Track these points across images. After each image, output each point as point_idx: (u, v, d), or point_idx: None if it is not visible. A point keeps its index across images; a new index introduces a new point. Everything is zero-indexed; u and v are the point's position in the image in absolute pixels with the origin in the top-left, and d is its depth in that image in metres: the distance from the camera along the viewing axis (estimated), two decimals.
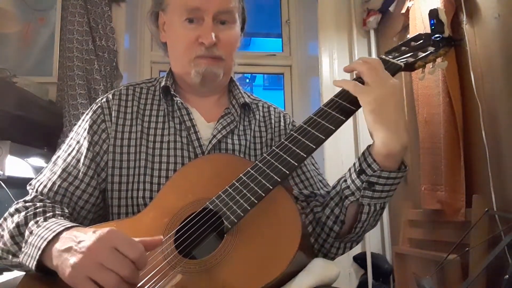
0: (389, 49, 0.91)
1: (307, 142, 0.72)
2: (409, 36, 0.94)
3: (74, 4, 1.99)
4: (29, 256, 0.67)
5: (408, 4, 1.67)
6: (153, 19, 0.96)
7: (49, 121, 1.80)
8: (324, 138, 0.72)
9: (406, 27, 1.73)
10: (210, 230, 0.69)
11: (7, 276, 1.06)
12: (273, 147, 0.74)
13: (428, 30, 0.95)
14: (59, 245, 0.63)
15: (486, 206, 1.20)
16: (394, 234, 1.94)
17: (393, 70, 0.81)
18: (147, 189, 0.83)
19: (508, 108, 1.17)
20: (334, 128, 0.72)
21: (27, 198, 0.82)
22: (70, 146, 0.88)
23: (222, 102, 0.97)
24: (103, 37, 2.01)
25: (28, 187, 0.86)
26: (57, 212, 0.76)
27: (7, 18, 1.94)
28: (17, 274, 0.98)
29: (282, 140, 0.75)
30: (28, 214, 0.75)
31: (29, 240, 0.69)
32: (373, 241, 1.99)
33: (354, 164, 0.78)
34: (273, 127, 0.98)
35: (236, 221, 0.66)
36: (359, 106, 0.74)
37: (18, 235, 0.73)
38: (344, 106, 0.75)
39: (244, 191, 0.69)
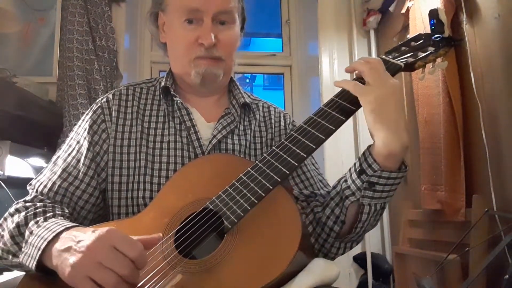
0: (389, 49, 0.91)
1: (307, 142, 0.72)
2: (409, 36, 0.95)
3: (74, 4, 1.99)
4: (29, 256, 0.67)
5: (408, 4, 1.67)
6: (152, 19, 0.96)
7: (49, 121, 1.80)
8: (324, 138, 0.72)
9: (406, 27, 1.73)
10: (210, 230, 0.69)
11: (7, 276, 1.06)
12: (273, 147, 0.74)
13: (428, 30, 0.96)
14: (58, 245, 0.63)
15: (486, 206, 1.20)
16: (394, 234, 1.94)
17: (393, 70, 0.81)
18: (147, 189, 0.83)
19: (508, 108, 1.17)
20: (334, 128, 0.73)
21: (27, 198, 0.82)
22: (70, 146, 0.88)
23: (222, 102, 0.97)
24: (103, 37, 2.01)
25: (28, 187, 0.86)
26: (57, 212, 0.77)
27: (7, 18, 1.94)
28: (17, 274, 0.98)
29: (282, 140, 0.75)
30: (28, 214, 0.75)
31: (29, 240, 0.69)
32: (373, 241, 1.99)
33: (355, 164, 0.78)
34: (273, 127, 0.98)
35: (236, 221, 0.66)
36: (359, 106, 0.75)
37: (18, 235, 0.73)
38: (344, 106, 0.75)
39: (244, 191, 0.69)
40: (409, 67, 0.86)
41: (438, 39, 0.90)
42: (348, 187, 0.77)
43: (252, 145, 0.93)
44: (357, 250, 1.99)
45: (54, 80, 1.99)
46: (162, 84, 0.93)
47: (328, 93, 2.09)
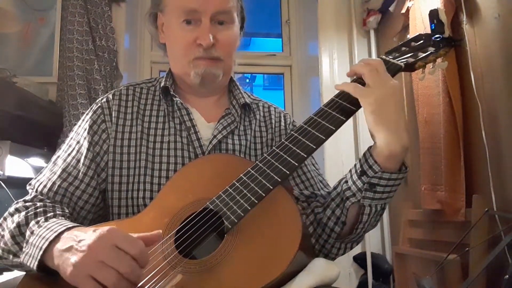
0: (389, 49, 0.91)
1: (307, 142, 0.72)
2: (409, 36, 0.95)
3: (74, 4, 1.99)
4: (31, 256, 0.67)
5: (408, 4, 1.67)
6: (151, 20, 0.96)
7: (49, 121, 1.80)
8: (324, 138, 0.72)
9: (406, 27, 1.73)
10: (210, 230, 0.69)
11: (7, 276, 1.06)
12: (274, 147, 0.74)
13: (428, 30, 0.96)
14: (60, 245, 0.63)
15: (486, 206, 1.20)
16: (394, 234, 1.94)
17: (394, 70, 0.81)
18: (147, 189, 0.83)
19: (508, 108, 1.17)
20: (334, 128, 0.73)
21: (27, 197, 0.82)
22: (70, 146, 0.88)
23: (222, 102, 0.97)
24: (103, 37, 2.01)
25: (27, 187, 0.86)
26: (57, 212, 0.77)
27: (7, 18, 1.94)
28: (17, 274, 0.98)
29: (283, 140, 0.75)
30: (28, 214, 0.75)
31: (30, 240, 0.69)
32: (373, 241, 1.99)
33: (355, 165, 0.78)
34: (273, 127, 0.98)
35: (236, 221, 0.66)
36: (359, 107, 0.75)
37: (19, 235, 0.73)
38: (345, 106, 0.76)
39: (245, 191, 0.69)
40: (410, 67, 0.86)
41: (439, 39, 0.90)
42: (349, 188, 0.77)
43: (252, 145, 0.93)
44: (357, 250, 1.99)
45: (54, 80, 1.99)
46: (162, 84, 0.93)
47: (328, 93, 2.09)
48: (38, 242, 0.67)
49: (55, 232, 0.66)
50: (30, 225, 0.72)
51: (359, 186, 0.75)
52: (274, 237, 0.65)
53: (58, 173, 0.83)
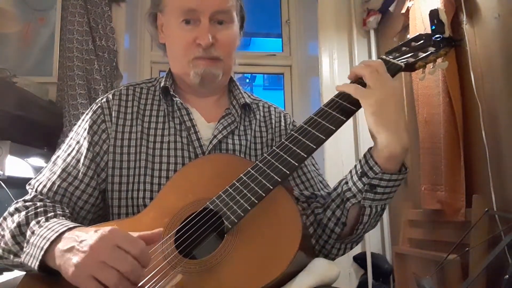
0: (389, 49, 0.91)
1: (307, 142, 0.72)
2: (409, 36, 0.95)
3: (74, 4, 1.99)
4: (32, 256, 0.67)
5: (408, 4, 1.67)
6: (151, 20, 0.96)
7: (49, 121, 1.80)
8: (324, 138, 0.72)
9: (406, 27, 1.73)
10: (211, 230, 0.69)
11: (7, 276, 1.06)
12: (274, 147, 0.74)
13: (428, 30, 0.96)
14: (61, 245, 0.63)
15: (486, 206, 1.20)
16: (394, 234, 1.94)
17: (394, 70, 0.81)
18: (147, 190, 0.83)
19: (508, 108, 1.17)
20: (334, 128, 0.73)
21: (27, 197, 0.82)
22: (70, 146, 0.88)
23: (222, 102, 0.97)
24: (103, 37, 2.01)
25: (27, 187, 0.85)
26: (58, 212, 0.76)
27: (7, 18, 1.94)
28: (17, 274, 0.99)
29: (283, 140, 0.75)
30: (29, 214, 0.75)
31: (31, 240, 0.69)
32: (373, 241, 1.99)
33: (355, 166, 0.78)
34: (273, 127, 0.98)
35: (236, 221, 0.66)
36: (360, 106, 0.75)
37: (19, 234, 0.73)
38: (345, 106, 0.76)
39: (245, 191, 0.69)
40: (410, 67, 0.86)
41: (439, 39, 0.90)
42: (349, 189, 0.77)
43: (252, 145, 0.93)
44: (357, 250, 1.99)
45: (54, 80, 1.98)
46: (162, 84, 0.93)
47: (328, 93, 2.09)
48: (39, 242, 0.67)
49: (56, 232, 0.66)
50: (31, 225, 0.72)
51: (360, 187, 0.76)
52: (274, 237, 0.65)
53: (58, 173, 0.83)
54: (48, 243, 0.65)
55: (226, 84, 0.98)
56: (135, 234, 0.61)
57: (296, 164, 0.70)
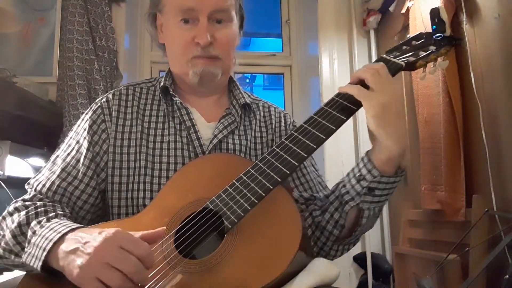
0: (390, 48, 0.91)
1: (307, 142, 0.72)
2: (409, 36, 0.94)
3: (74, 4, 1.99)
4: (34, 256, 0.67)
5: (408, 4, 1.67)
6: (150, 20, 0.96)
7: (49, 121, 1.80)
8: (324, 138, 0.72)
9: (406, 27, 1.72)
10: (211, 230, 0.69)
11: (7, 276, 1.06)
12: (274, 147, 0.74)
13: (429, 30, 0.95)
14: (64, 246, 0.63)
15: (486, 206, 1.20)
16: (394, 234, 1.94)
17: (394, 69, 0.81)
18: (147, 189, 0.83)
19: (508, 108, 1.17)
20: (334, 128, 0.73)
21: (26, 197, 0.82)
22: (69, 146, 0.88)
23: (222, 102, 0.97)
24: (103, 37, 2.01)
25: (26, 186, 0.85)
26: (58, 212, 0.76)
27: (7, 18, 1.94)
28: (17, 274, 0.98)
29: (283, 140, 0.75)
30: (29, 214, 0.75)
31: (33, 241, 0.69)
32: (373, 241, 1.99)
33: (353, 169, 0.79)
34: (273, 127, 0.98)
35: (236, 221, 0.66)
36: (360, 106, 0.75)
37: (20, 234, 0.73)
38: (345, 105, 0.76)
39: (245, 191, 0.69)
40: (410, 66, 0.86)
41: (440, 38, 0.90)
42: (347, 192, 0.78)
43: (252, 145, 0.93)
44: (357, 250, 1.99)
45: (54, 80, 1.98)
46: (162, 84, 0.93)
47: (328, 93, 2.09)
48: (42, 243, 0.66)
49: (59, 233, 0.66)
50: (32, 225, 0.72)
51: (358, 191, 0.76)
52: (274, 237, 0.65)
53: (57, 172, 0.83)
54: (51, 244, 0.65)
55: (226, 83, 0.98)
56: (137, 234, 0.61)
57: (296, 164, 0.70)
